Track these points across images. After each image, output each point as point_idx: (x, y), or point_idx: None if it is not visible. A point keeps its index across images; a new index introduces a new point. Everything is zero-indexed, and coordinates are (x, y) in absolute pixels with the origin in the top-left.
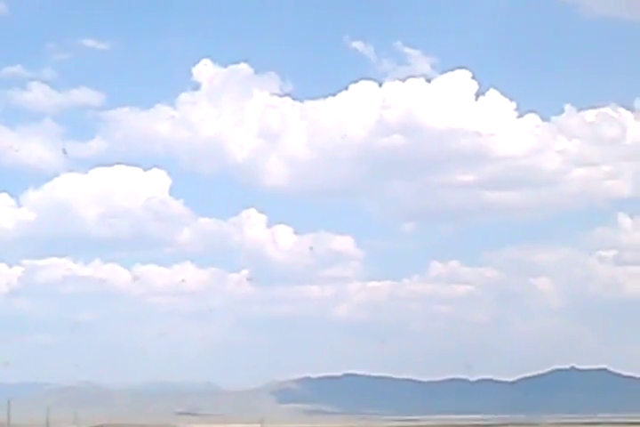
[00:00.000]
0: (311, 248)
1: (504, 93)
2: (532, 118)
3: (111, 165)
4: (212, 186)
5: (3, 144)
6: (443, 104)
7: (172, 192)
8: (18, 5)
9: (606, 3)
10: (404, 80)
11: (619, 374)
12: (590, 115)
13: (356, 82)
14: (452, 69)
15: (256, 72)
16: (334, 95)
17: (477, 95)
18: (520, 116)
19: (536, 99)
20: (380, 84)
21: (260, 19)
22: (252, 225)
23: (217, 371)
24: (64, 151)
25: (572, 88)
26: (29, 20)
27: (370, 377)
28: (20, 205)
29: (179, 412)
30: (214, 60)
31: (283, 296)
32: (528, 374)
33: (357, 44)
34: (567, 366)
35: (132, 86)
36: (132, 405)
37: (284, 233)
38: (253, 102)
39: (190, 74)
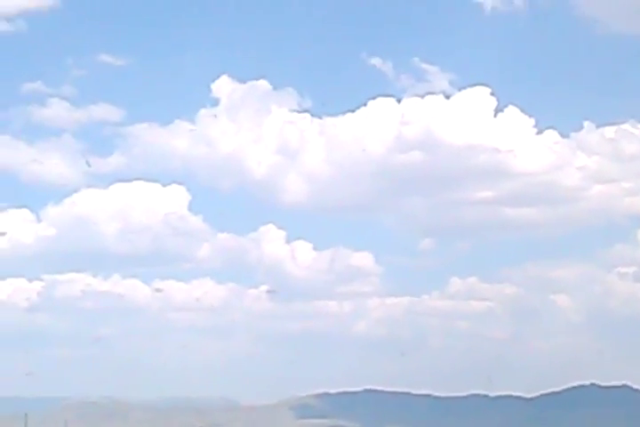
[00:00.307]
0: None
1: (523, 110)
2: (552, 135)
3: (130, 180)
4: (231, 202)
5: (23, 160)
6: (461, 120)
7: (191, 208)
8: (36, 22)
9: (623, 20)
10: (422, 96)
11: (639, 391)
12: (610, 131)
13: (374, 98)
14: (470, 86)
15: (274, 88)
16: (353, 111)
17: (496, 111)
18: (539, 132)
19: (555, 115)
20: (399, 101)
21: (279, 35)
22: (271, 241)
23: (235, 386)
24: (88, 164)
25: (591, 104)
26: (48, 36)
27: (389, 393)
28: (39, 221)
29: None
30: (233, 76)
31: (301, 312)
32: (548, 391)
33: (376, 61)
34: (587, 383)
35: (151, 102)
36: (150, 420)
37: (303, 249)
38: (272, 118)
39: (209, 90)
